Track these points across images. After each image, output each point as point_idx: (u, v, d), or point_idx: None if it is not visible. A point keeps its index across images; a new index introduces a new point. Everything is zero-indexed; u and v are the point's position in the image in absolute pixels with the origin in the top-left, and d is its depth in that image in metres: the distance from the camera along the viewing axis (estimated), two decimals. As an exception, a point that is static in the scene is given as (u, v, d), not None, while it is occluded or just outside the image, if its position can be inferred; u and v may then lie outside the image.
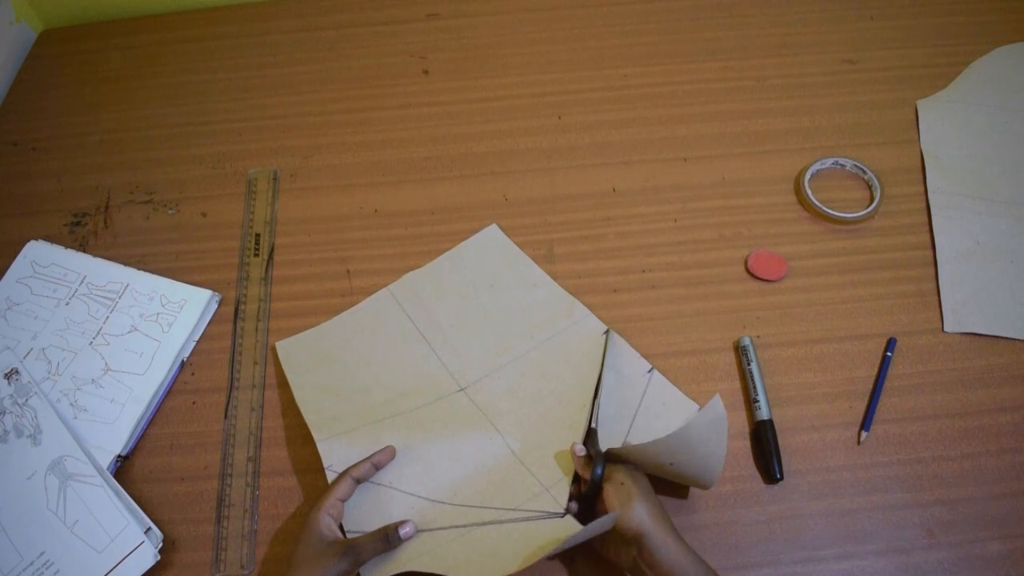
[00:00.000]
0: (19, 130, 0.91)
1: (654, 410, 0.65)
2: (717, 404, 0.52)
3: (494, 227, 0.78)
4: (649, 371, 0.68)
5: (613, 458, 0.57)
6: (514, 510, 0.60)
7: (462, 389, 0.68)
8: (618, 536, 0.52)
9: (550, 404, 0.66)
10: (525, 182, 0.81)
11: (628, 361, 0.68)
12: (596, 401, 0.64)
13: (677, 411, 0.65)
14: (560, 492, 0.60)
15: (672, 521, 0.53)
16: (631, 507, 0.51)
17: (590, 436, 0.61)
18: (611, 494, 0.53)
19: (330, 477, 0.61)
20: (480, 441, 0.64)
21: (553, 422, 0.65)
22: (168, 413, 0.69)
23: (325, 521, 0.56)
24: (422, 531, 0.59)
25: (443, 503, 0.60)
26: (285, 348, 0.71)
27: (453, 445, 0.64)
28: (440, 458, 0.63)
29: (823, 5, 0.94)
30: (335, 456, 0.63)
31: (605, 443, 0.61)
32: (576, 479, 0.60)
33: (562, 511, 0.59)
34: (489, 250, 0.77)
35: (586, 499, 0.58)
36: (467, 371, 0.69)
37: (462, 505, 0.60)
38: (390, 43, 0.95)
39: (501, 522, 0.59)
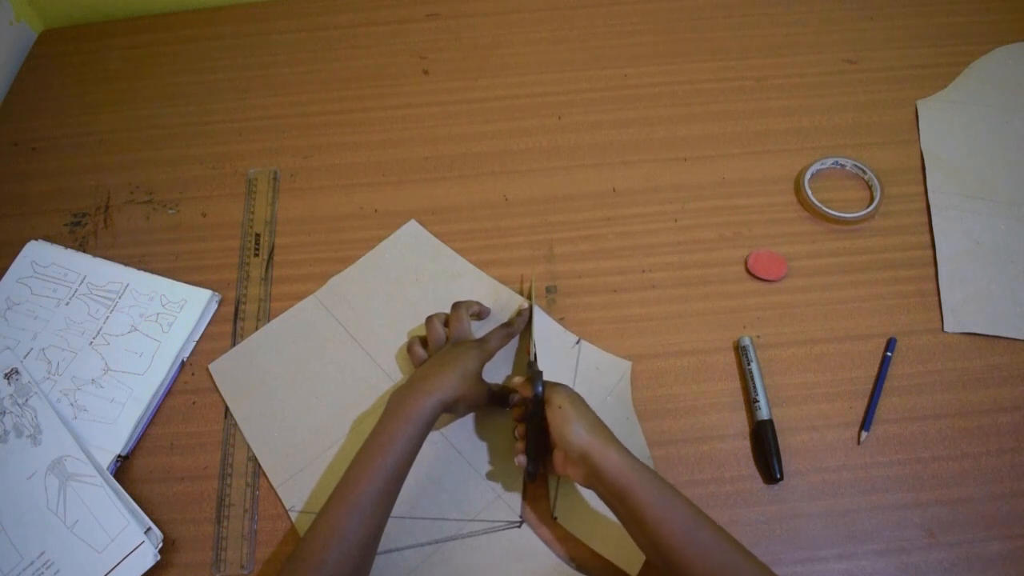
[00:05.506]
0: (19, 130, 0.91)
1: (589, 376, 0.67)
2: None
3: (413, 222, 0.78)
4: (577, 343, 0.69)
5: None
6: (472, 520, 0.61)
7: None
8: (568, 455, 0.55)
9: None
10: (525, 182, 0.81)
11: (555, 336, 0.70)
12: (532, 339, 0.65)
13: (611, 372, 0.68)
14: (513, 498, 0.62)
15: (614, 434, 0.54)
16: (570, 428, 0.54)
17: (530, 367, 0.62)
18: (552, 416, 0.55)
19: (293, 517, 0.62)
20: (426, 447, 0.64)
21: (493, 415, 0.66)
22: (168, 413, 0.69)
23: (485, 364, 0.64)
24: (390, 551, 0.60)
25: (403, 518, 0.61)
26: (220, 369, 0.70)
27: None
28: None
29: (823, 5, 0.94)
30: (296, 497, 0.63)
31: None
32: (522, 408, 0.61)
33: (519, 520, 0.61)
34: (410, 246, 0.77)
35: (531, 419, 0.58)
36: (403, 369, 0.69)
37: (422, 518, 0.61)
38: (390, 43, 0.95)
39: (462, 536, 0.60)
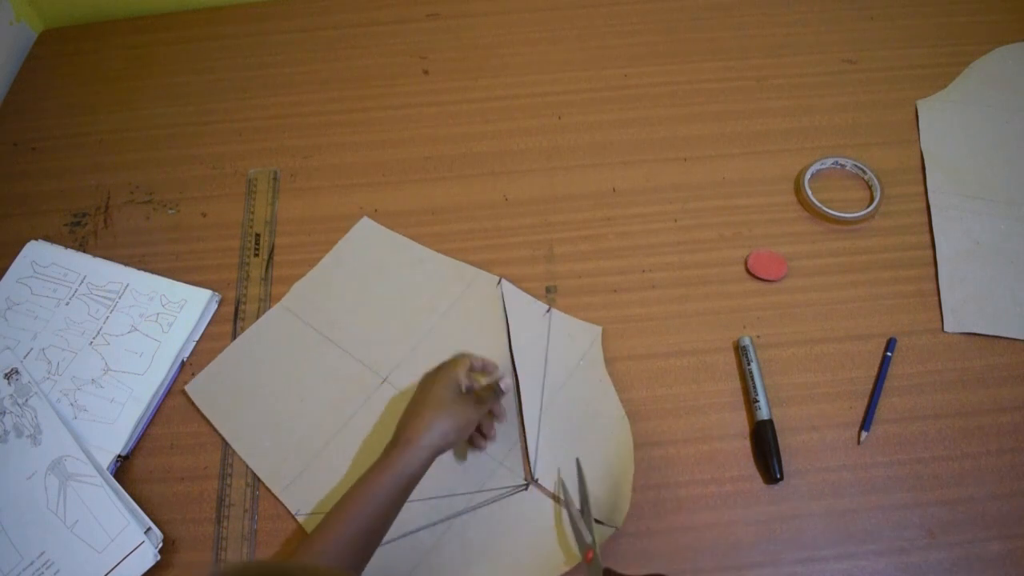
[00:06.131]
0: (19, 130, 0.91)
1: (562, 343, 0.69)
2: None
3: (365, 219, 0.79)
4: (547, 311, 0.71)
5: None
6: (479, 492, 0.62)
7: (384, 379, 0.68)
8: None
9: None
10: (525, 182, 0.81)
11: (527, 306, 0.71)
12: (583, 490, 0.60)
13: (582, 338, 0.69)
14: (514, 462, 0.63)
15: None
16: None
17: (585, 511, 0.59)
18: None
19: (300, 520, 0.62)
20: None
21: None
22: (168, 413, 0.69)
23: (463, 374, 0.60)
24: (404, 535, 0.60)
25: (411, 501, 0.60)
26: (198, 390, 0.69)
27: None
28: None
29: (823, 5, 0.94)
30: (300, 500, 0.63)
31: (527, 389, 0.65)
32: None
33: (524, 483, 0.62)
34: (368, 241, 0.77)
35: None
36: (384, 361, 0.70)
37: (430, 498, 0.62)
38: (390, 43, 0.95)
39: (473, 508, 0.61)
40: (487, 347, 0.69)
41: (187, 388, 0.70)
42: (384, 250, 0.77)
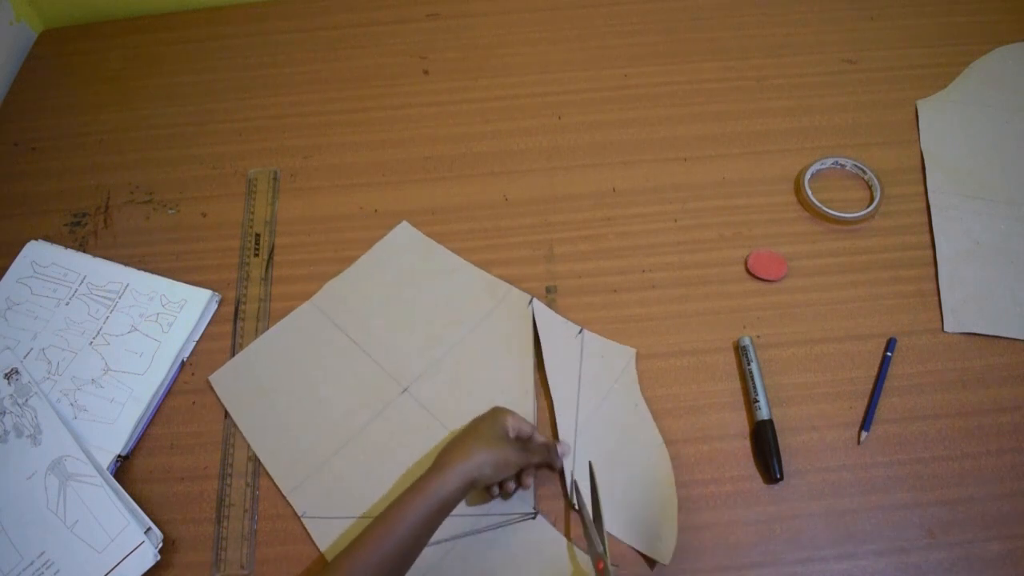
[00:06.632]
0: (19, 130, 0.91)
1: (594, 365, 0.67)
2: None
3: (404, 224, 0.78)
4: (579, 332, 0.70)
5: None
6: (486, 515, 0.61)
7: (405, 389, 0.68)
8: None
9: (494, 391, 0.66)
10: (525, 182, 0.81)
11: (558, 327, 0.70)
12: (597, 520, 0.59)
13: (615, 360, 0.68)
14: (526, 491, 0.62)
15: None
16: None
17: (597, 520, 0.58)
18: None
19: (306, 524, 0.62)
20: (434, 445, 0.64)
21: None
22: (168, 413, 0.69)
23: (512, 421, 0.59)
24: None
25: None
26: (220, 380, 0.70)
27: (411, 457, 0.64)
28: (403, 474, 0.63)
29: (823, 5, 0.94)
30: (308, 503, 0.63)
31: (561, 413, 0.64)
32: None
33: (533, 511, 0.61)
34: (404, 246, 0.77)
35: None
36: (406, 370, 0.69)
37: None
38: (390, 43, 0.95)
39: (478, 531, 0.60)
40: (512, 367, 0.68)
41: (210, 378, 0.70)
42: (418, 257, 0.76)
